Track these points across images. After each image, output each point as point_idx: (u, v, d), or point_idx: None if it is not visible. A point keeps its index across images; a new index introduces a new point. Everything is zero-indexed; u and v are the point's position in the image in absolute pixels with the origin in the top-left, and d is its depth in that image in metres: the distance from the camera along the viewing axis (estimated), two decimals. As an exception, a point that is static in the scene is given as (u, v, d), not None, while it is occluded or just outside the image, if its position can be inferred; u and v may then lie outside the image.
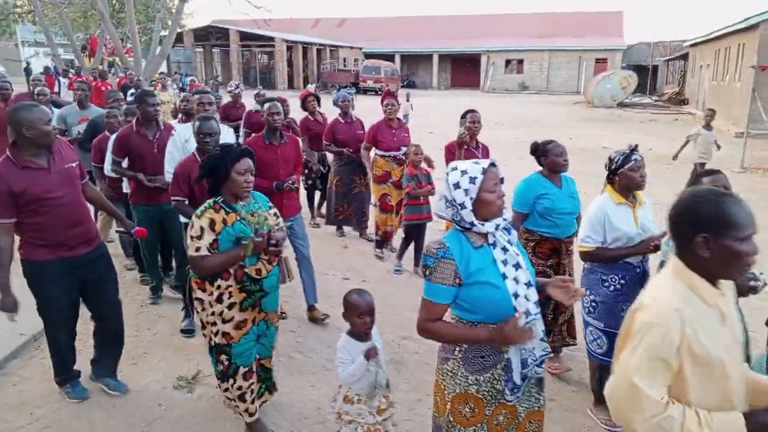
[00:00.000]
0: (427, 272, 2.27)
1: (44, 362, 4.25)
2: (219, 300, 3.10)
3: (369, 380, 2.86)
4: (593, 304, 3.54)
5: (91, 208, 3.74)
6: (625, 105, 30.64)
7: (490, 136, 18.03)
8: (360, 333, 2.88)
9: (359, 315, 2.85)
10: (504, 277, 2.25)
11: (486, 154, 5.58)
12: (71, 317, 3.60)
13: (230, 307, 3.11)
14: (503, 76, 47.08)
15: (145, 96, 4.93)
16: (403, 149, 6.54)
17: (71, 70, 18.17)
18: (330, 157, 7.41)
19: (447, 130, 18.08)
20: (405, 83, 42.30)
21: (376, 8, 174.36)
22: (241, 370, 3.22)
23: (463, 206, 2.21)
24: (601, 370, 3.53)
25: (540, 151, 4.12)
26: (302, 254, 4.99)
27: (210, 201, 3.06)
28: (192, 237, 2.98)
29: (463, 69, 49.94)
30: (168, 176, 4.49)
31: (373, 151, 6.79)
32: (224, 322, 3.13)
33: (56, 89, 16.08)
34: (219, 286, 3.08)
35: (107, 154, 5.34)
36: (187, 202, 4.03)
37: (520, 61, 47.25)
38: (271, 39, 39.56)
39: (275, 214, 3.20)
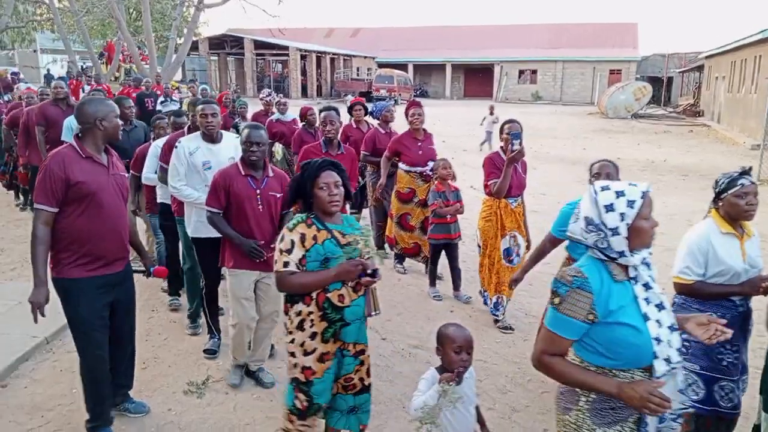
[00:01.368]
0: (555, 301, 2.03)
1: (56, 365, 4.28)
2: (300, 327, 2.84)
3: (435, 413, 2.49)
4: (686, 343, 2.91)
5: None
6: (639, 116, 30.45)
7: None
8: (454, 370, 2.53)
9: (456, 350, 2.56)
10: (646, 318, 1.99)
11: (524, 168, 5.09)
12: (105, 342, 3.32)
13: (312, 336, 2.82)
14: (516, 86, 47.03)
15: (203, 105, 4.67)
16: (430, 164, 5.89)
17: (87, 76, 18.17)
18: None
19: (461, 141, 18.15)
20: (418, 93, 42.39)
21: (389, 18, 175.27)
22: (323, 408, 2.92)
23: (615, 232, 1.97)
24: (698, 420, 3.03)
25: None
26: None
27: (302, 215, 2.89)
28: (281, 251, 2.78)
29: (476, 79, 49.95)
30: (175, 191, 4.30)
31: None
32: (306, 354, 2.83)
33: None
34: (299, 312, 2.83)
35: (150, 159, 5.15)
36: (221, 215, 3.77)
37: (534, 71, 47.19)
38: (286, 48, 39.82)
39: (366, 241, 2.87)
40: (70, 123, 6.62)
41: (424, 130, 6.08)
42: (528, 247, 5.04)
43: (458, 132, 20.14)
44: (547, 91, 46.28)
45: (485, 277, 5.13)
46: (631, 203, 1.97)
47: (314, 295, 2.79)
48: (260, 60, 43.29)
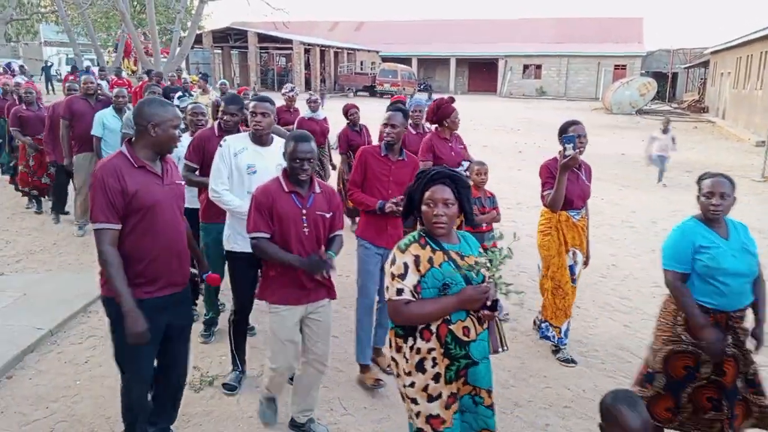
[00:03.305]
0: None
1: (60, 357, 4.31)
2: (420, 368, 2.42)
3: None
4: None
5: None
6: (643, 112, 30.35)
7: (508, 140, 17.97)
8: None
9: None
10: None
11: (589, 174, 4.55)
12: (151, 371, 3.01)
13: (436, 378, 2.41)
14: (521, 81, 46.89)
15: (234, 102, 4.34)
16: (464, 164, 5.50)
17: (101, 70, 17.51)
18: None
19: (469, 136, 18.08)
20: (422, 87, 42.29)
21: (394, 12, 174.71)
22: None
23: None
24: None
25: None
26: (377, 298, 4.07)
27: (415, 233, 2.51)
28: (393, 275, 2.40)
29: (481, 73, 49.82)
30: (216, 196, 3.79)
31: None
32: (430, 399, 2.42)
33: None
34: (418, 350, 2.42)
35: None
36: (269, 238, 3.15)
37: (538, 66, 47.02)
38: (289, 41, 39.76)
39: (487, 265, 2.46)
40: (102, 117, 6.56)
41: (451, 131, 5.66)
42: (586, 263, 4.58)
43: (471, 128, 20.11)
44: (552, 87, 46.13)
45: (549, 305, 4.49)
46: None
47: (434, 327, 2.40)
48: (264, 53, 43.23)
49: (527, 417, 3.72)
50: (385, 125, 3.99)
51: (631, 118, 27.48)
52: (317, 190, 3.24)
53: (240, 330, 3.95)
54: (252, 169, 3.71)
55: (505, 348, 2.60)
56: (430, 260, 2.40)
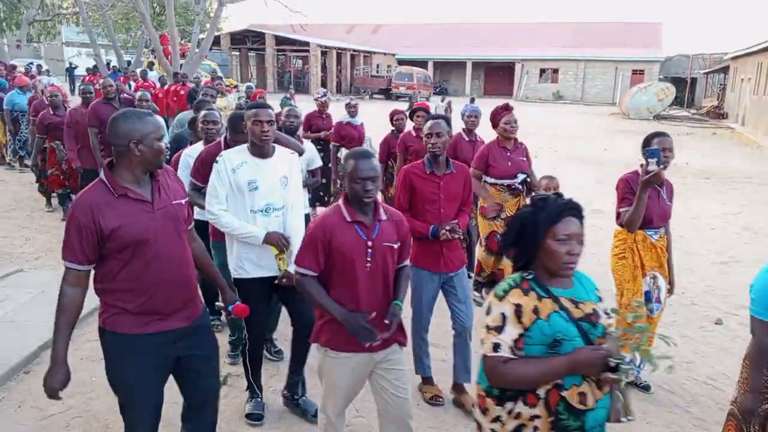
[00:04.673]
0: None
1: (77, 353, 4.35)
2: None
3: None
4: None
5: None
6: (661, 117, 30.06)
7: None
8: None
9: None
10: None
11: (670, 193, 4.02)
12: (158, 410, 2.63)
13: None
14: (537, 85, 46.67)
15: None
16: (520, 177, 5.22)
17: (130, 71, 16.67)
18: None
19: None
20: (437, 90, 42.27)
21: (410, 15, 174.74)
22: None
23: None
24: None
25: None
26: (461, 325, 3.74)
27: (516, 276, 2.11)
28: (489, 328, 2.04)
29: (497, 77, 49.66)
30: (213, 218, 3.42)
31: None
32: None
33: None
34: (518, 414, 2.06)
35: (181, 172, 4.17)
36: (314, 276, 2.73)
37: (555, 71, 46.79)
38: (306, 44, 39.97)
39: (608, 313, 2.14)
40: None
41: (515, 139, 5.34)
42: (670, 291, 4.09)
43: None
44: (569, 91, 45.86)
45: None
46: None
47: (543, 392, 2.02)
48: (281, 56, 43.50)
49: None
50: (429, 135, 3.64)
51: (648, 124, 27.22)
52: (383, 216, 2.76)
53: (256, 355, 3.62)
54: (253, 185, 3.34)
55: (631, 417, 2.03)
56: (536, 310, 2.00)
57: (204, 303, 2.80)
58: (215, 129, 4.47)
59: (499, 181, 5.22)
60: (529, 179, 5.34)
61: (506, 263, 5.21)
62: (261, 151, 3.39)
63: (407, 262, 2.93)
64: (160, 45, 21.79)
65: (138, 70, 17.75)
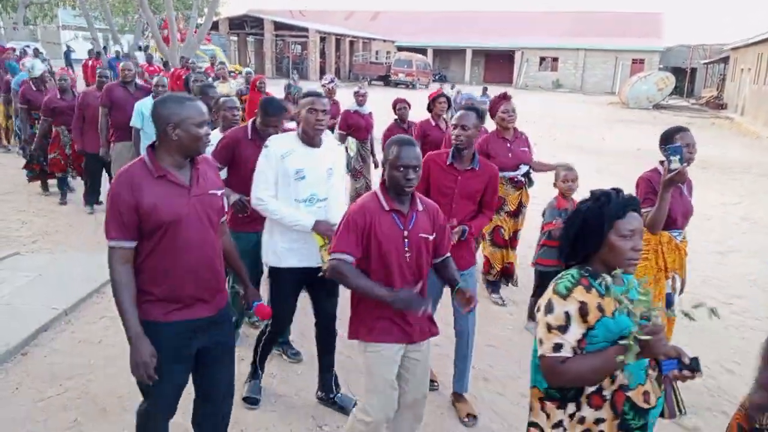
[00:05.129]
0: None
1: (75, 336, 4.37)
2: None
3: None
4: None
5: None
6: (661, 107, 30.03)
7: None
8: None
9: None
10: None
11: (690, 189, 3.98)
12: (177, 399, 2.60)
13: None
14: (537, 74, 46.53)
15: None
16: (522, 168, 5.09)
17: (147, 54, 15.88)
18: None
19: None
20: (437, 77, 42.06)
21: (410, 2, 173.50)
22: None
23: None
24: None
25: None
26: (461, 327, 3.60)
27: (574, 272, 2.03)
28: (550, 327, 1.96)
29: (497, 65, 49.48)
30: (260, 204, 3.30)
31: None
32: None
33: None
34: (582, 419, 1.99)
35: None
36: (352, 262, 2.63)
37: (555, 59, 46.62)
38: (305, 29, 39.72)
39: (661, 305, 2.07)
40: (141, 108, 6.21)
41: (515, 129, 5.18)
42: (681, 290, 3.93)
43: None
44: (568, 80, 45.74)
45: None
46: None
47: (608, 393, 1.95)
48: (279, 41, 43.23)
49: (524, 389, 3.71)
50: (455, 126, 3.48)
51: (647, 113, 27.20)
52: (419, 207, 2.72)
53: (268, 349, 3.62)
54: (300, 174, 3.25)
55: (684, 412, 2.07)
56: (600, 307, 1.94)
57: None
58: (239, 116, 4.43)
59: (501, 174, 4.89)
60: (531, 172, 5.18)
61: (515, 256, 5.27)
62: (312, 140, 3.31)
63: (448, 254, 2.85)
64: (157, 29, 21.63)
65: (141, 54, 17.52)
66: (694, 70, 42.88)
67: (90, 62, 17.78)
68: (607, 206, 2.00)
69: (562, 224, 4.07)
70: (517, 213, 5.18)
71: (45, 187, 8.30)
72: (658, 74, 31.44)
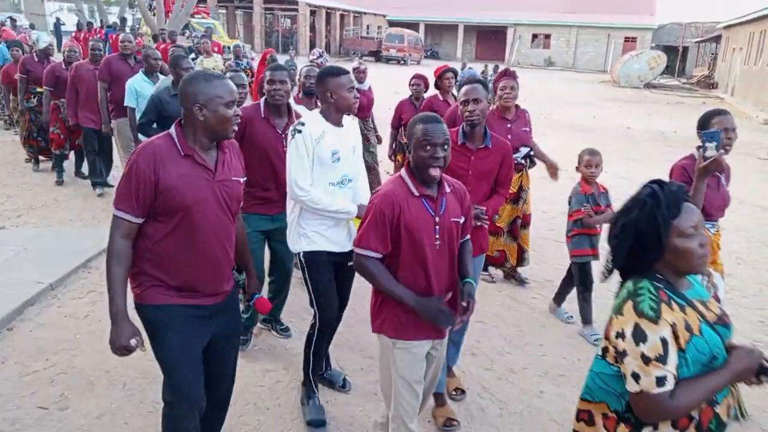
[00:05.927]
0: None
1: (61, 311, 4.34)
2: None
3: None
4: None
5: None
6: (652, 86, 30.01)
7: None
8: None
9: None
10: None
11: (728, 176, 3.80)
12: (198, 382, 2.45)
13: None
14: (529, 51, 46.24)
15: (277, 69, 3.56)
16: (523, 151, 4.83)
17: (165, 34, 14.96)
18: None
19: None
20: (428, 53, 41.74)
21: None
22: None
23: None
24: None
25: None
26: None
27: (647, 285, 1.74)
28: (646, 358, 1.65)
29: (489, 41, 49.08)
30: (303, 195, 3.01)
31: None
32: None
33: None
34: None
35: None
36: (380, 259, 2.47)
37: (547, 36, 46.32)
38: (295, 2, 39.08)
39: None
40: (133, 85, 5.82)
41: (517, 107, 4.84)
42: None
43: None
44: (560, 57, 45.52)
45: None
46: None
47: (696, 413, 1.73)
48: (269, 15, 42.57)
49: (522, 383, 3.75)
50: (465, 102, 3.24)
51: (638, 92, 27.19)
52: (447, 189, 2.51)
53: (323, 347, 3.31)
54: (337, 155, 3.04)
55: (746, 416, 1.93)
56: (688, 326, 1.69)
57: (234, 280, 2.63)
58: (245, 93, 4.25)
59: None
60: (532, 152, 4.98)
61: (510, 246, 5.05)
62: (339, 120, 3.10)
63: (468, 236, 2.68)
64: (144, 1, 21.20)
65: (127, 27, 17.04)
66: (686, 49, 42.80)
67: (82, 35, 17.38)
68: (657, 208, 1.73)
69: (589, 210, 4.11)
70: (517, 198, 4.96)
71: (36, 162, 8.07)
72: (649, 53, 31.36)
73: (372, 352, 3.94)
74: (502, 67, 5.46)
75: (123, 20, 22.17)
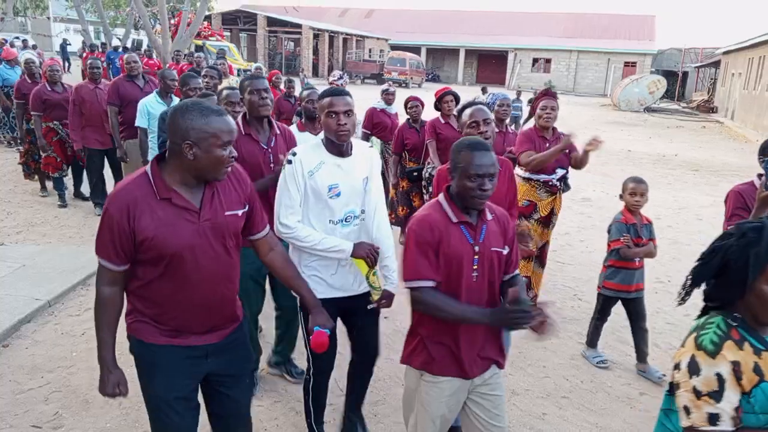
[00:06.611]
0: None
1: (57, 328, 4.30)
2: None
3: None
4: None
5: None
6: (652, 110, 30.19)
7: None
8: None
9: None
10: None
11: None
12: (192, 426, 2.26)
13: None
14: (530, 74, 46.64)
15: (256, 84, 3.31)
16: (559, 172, 4.60)
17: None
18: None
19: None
20: (430, 77, 42.09)
21: (404, 1, 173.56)
22: None
23: None
24: None
25: None
26: None
27: (719, 321, 1.65)
28: (698, 393, 1.57)
29: (490, 65, 49.58)
30: (288, 233, 2.72)
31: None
32: None
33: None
34: None
35: None
36: (434, 288, 2.25)
37: (548, 60, 46.78)
38: (298, 26, 39.56)
39: None
40: (145, 106, 5.60)
41: (554, 129, 4.70)
42: None
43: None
44: (561, 81, 45.88)
45: None
46: None
47: None
48: (272, 37, 43.07)
49: (524, 405, 3.69)
50: (475, 124, 3.08)
51: (639, 116, 27.34)
52: (489, 216, 2.32)
53: (321, 395, 3.07)
54: (335, 190, 2.71)
55: None
56: (757, 369, 1.55)
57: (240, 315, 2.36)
58: (240, 110, 4.08)
59: (535, 177, 4.58)
60: (568, 175, 4.76)
61: (537, 272, 4.86)
62: (340, 149, 2.74)
63: (517, 272, 2.44)
64: (149, 23, 21.42)
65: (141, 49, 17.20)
66: (685, 74, 43.18)
67: (90, 55, 17.55)
68: (755, 245, 1.58)
69: (629, 241, 3.90)
70: (548, 221, 4.71)
71: (43, 187, 7.82)
72: (649, 77, 31.60)
73: (383, 396, 3.88)
74: (499, 91, 5.47)
75: (138, 43, 22.35)
